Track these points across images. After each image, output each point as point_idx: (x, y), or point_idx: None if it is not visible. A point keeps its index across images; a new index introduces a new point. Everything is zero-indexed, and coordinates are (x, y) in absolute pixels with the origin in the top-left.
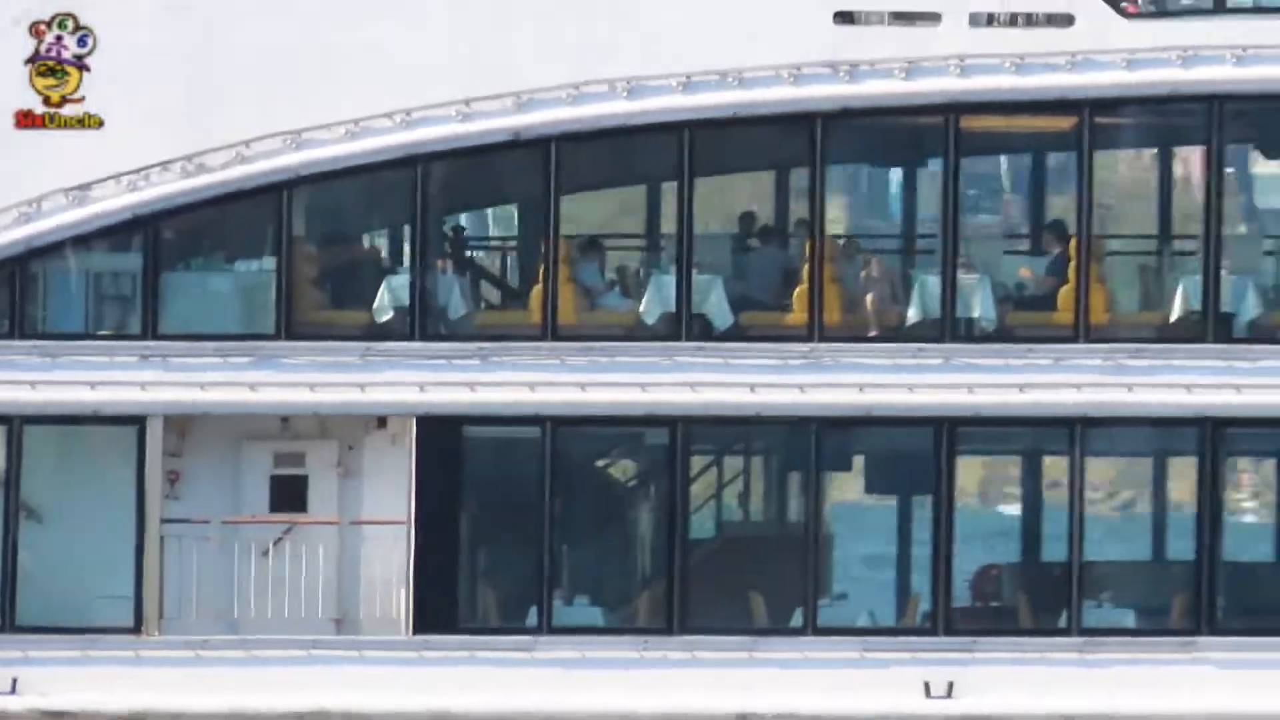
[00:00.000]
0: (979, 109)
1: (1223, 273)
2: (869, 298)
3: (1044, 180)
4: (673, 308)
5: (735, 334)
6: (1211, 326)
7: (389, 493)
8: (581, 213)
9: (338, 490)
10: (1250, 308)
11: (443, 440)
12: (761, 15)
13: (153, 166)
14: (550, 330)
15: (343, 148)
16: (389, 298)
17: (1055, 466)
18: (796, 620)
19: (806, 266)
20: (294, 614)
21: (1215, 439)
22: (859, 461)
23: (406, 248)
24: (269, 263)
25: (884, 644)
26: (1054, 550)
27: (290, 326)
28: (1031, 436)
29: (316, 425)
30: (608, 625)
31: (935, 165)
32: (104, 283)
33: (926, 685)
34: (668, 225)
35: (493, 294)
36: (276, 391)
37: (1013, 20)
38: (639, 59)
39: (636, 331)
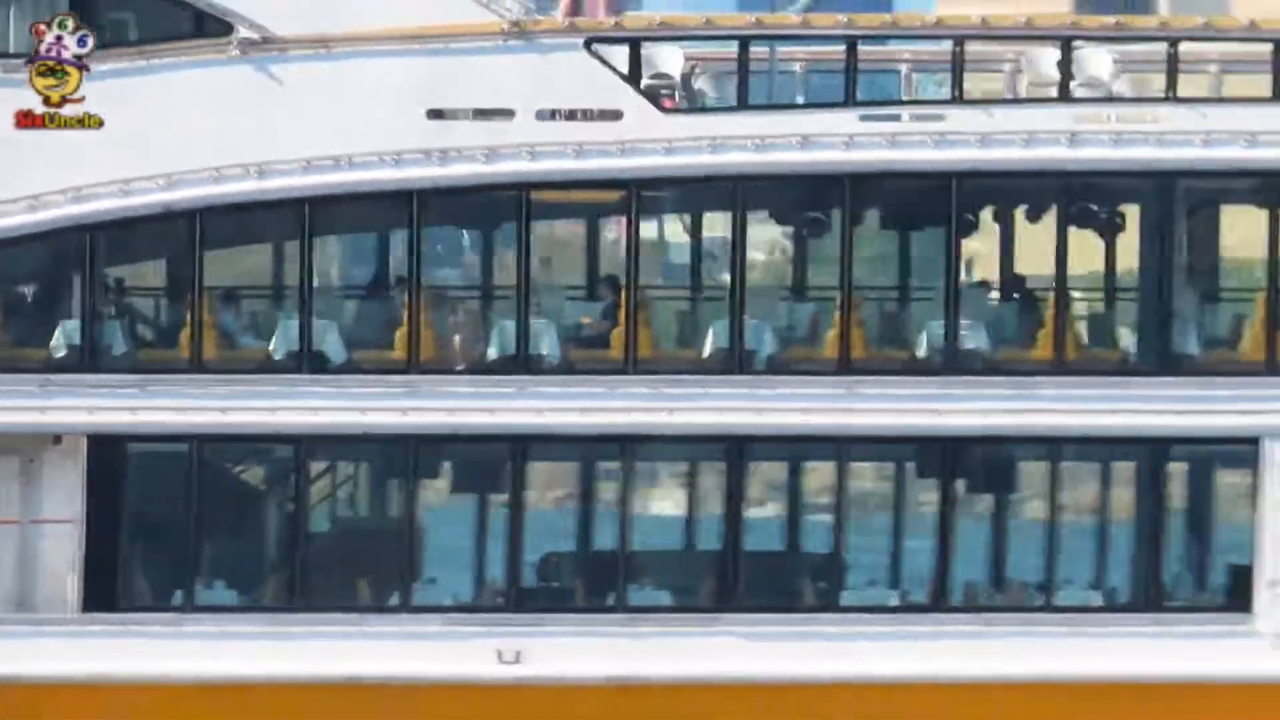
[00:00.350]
0: (546, 186)
1: (746, 317)
2: (457, 338)
3: (599, 242)
4: (296, 346)
5: (348, 367)
6: (737, 361)
7: (63, 497)
8: (222, 267)
9: (20, 495)
10: (767, 346)
11: (108, 454)
12: (369, 113)
13: None
14: (196, 364)
15: (24, 218)
16: (64, 338)
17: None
18: (394, 600)
19: (406, 312)
20: None
21: (739, 452)
22: (448, 468)
23: (77, 297)
24: None
25: (465, 619)
26: (605, 541)
27: None
28: (589, 450)
29: (3, 442)
30: (241, 604)
31: (510, 230)
32: None
33: (499, 653)
34: (291, 279)
35: (149, 334)
36: None
37: (572, 115)
38: (270, 147)
39: (266, 365)
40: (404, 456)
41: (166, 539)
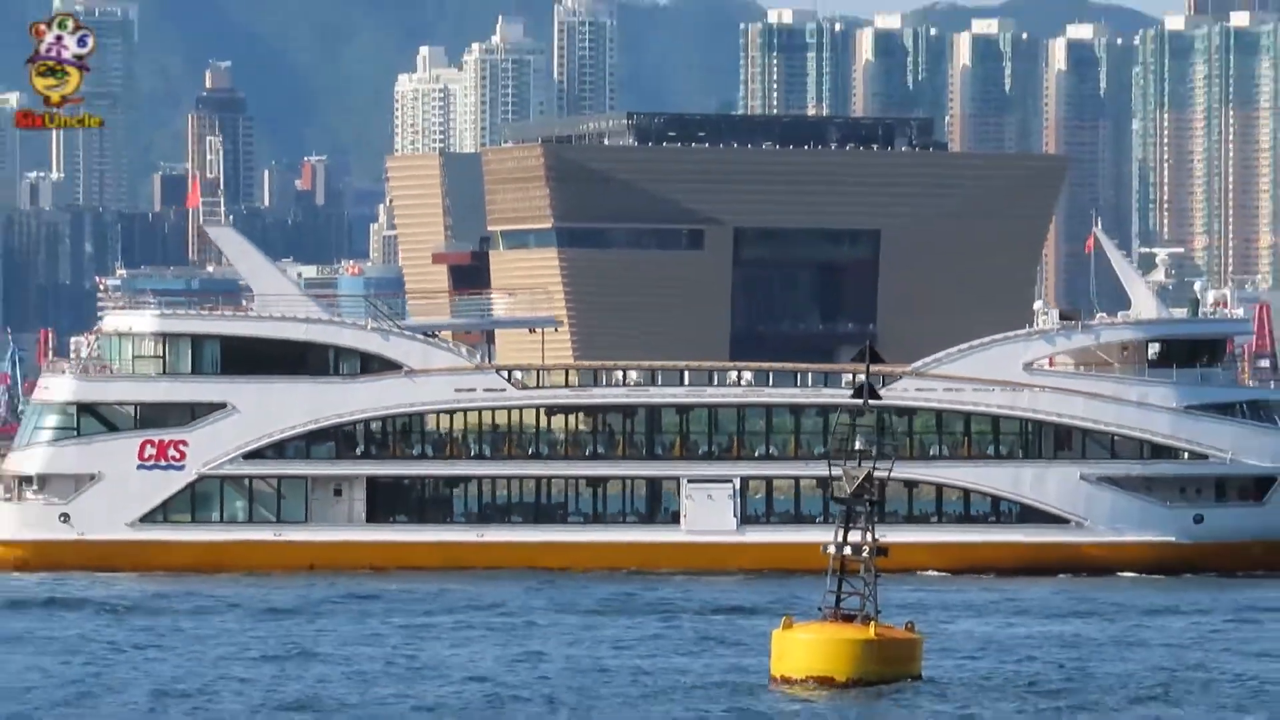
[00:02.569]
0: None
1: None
2: None
3: None
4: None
5: None
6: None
7: (360, 490)
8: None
9: (352, 490)
10: None
11: (372, 481)
12: (430, 391)
13: None
14: (395, 458)
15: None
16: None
17: None
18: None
19: None
20: None
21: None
22: None
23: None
24: None
25: None
26: None
27: None
28: None
29: (349, 479)
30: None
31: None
32: None
33: None
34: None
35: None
36: None
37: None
38: (393, 406)
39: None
40: None
41: (394, 501)
